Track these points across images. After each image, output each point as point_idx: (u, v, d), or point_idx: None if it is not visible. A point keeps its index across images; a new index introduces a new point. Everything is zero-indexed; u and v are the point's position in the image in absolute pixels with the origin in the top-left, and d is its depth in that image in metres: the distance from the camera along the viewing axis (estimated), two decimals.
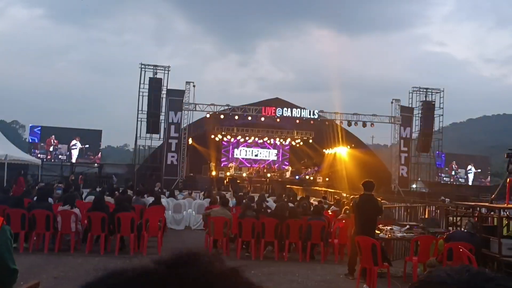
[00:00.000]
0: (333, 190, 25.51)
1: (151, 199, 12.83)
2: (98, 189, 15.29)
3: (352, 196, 10.91)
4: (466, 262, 6.35)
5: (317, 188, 29.74)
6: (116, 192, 14.18)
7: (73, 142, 29.82)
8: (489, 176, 37.89)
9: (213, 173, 33.58)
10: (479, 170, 36.89)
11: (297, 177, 35.76)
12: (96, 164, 30.73)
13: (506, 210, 8.10)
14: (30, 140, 29.29)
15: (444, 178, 35.28)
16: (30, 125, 30.23)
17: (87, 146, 30.02)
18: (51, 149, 29.17)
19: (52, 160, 29.46)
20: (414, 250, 8.36)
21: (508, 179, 8.14)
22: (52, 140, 29.27)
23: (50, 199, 11.08)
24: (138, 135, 28.25)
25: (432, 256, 7.67)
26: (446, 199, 20.54)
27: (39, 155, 27.68)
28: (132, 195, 13.17)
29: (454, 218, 9.46)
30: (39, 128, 29.55)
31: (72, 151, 29.85)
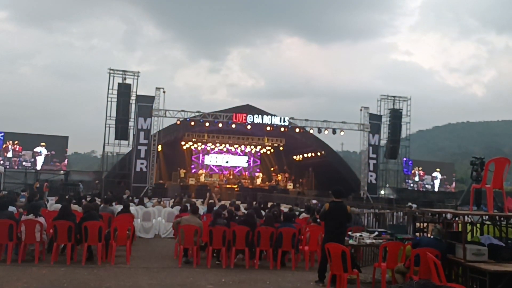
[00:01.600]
0: (303, 197, 25.68)
1: (119, 207, 12.59)
2: (67, 197, 14.86)
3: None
4: (432, 267, 6.49)
5: (287, 195, 29.90)
6: (83, 200, 13.84)
7: (38, 148, 29.07)
8: (454, 182, 38.95)
9: (183, 180, 33.33)
10: (445, 177, 37.90)
11: (267, 183, 35.89)
12: (62, 171, 29.97)
13: (470, 216, 8.33)
14: None
15: (411, 184, 36.08)
16: None
17: (53, 152, 29.31)
18: (9, 154, 28.32)
19: (16, 167, 28.60)
20: (383, 256, 8.48)
21: (472, 186, 8.38)
22: (9, 146, 28.45)
23: (12, 208, 10.69)
24: (106, 142, 27.74)
25: (400, 262, 7.79)
26: (413, 205, 20.98)
27: (1, 162, 26.84)
28: (100, 203, 12.89)
29: (421, 224, 9.66)
30: (2, 134, 28.65)
31: (37, 157, 29.09)
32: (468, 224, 8.08)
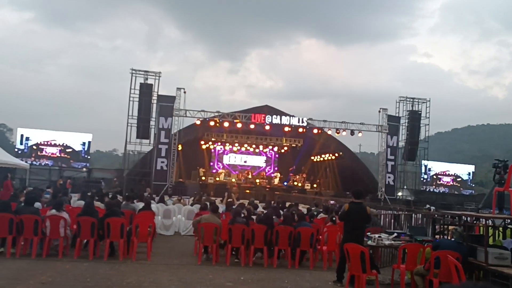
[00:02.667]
0: (321, 197, 25.64)
1: (140, 205, 12.80)
2: (89, 194, 15.18)
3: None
4: (453, 270, 6.47)
5: (305, 195, 29.89)
6: (105, 197, 14.12)
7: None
8: (473, 185, 38.39)
9: (202, 179, 33.58)
10: (464, 179, 37.41)
11: (285, 183, 35.88)
12: (84, 169, 30.55)
13: (492, 219, 8.27)
14: (19, 151, 29.15)
15: (429, 187, 35.71)
16: (21, 133, 30.04)
17: (76, 150, 30.08)
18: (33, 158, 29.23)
19: (40, 164, 29.34)
20: (402, 258, 8.47)
21: (494, 189, 8.31)
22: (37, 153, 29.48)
23: (38, 204, 10.99)
24: (128, 140, 28.13)
25: (419, 264, 7.78)
26: (432, 207, 20.78)
27: (29, 161, 27.59)
28: (122, 201, 13.14)
29: (441, 226, 9.60)
30: (29, 139, 29.52)
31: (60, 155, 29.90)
32: (490, 228, 8.02)
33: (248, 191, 29.99)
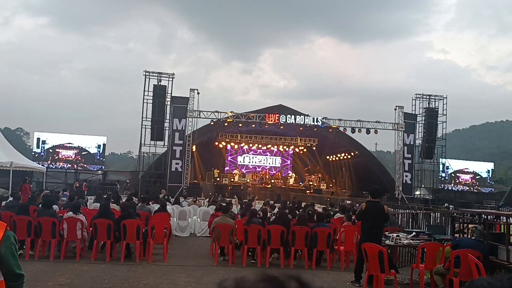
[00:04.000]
0: (337, 197, 25.47)
1: (156, 206, 12.84)
2: (104, 196, 15.29)
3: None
4: (474, 269, 6.33)
5: (321, 195, 29.73)
6: (121, 200, 14.20)
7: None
8: (492, 183, 37.75)
9: (217, 180, 33.64)
10: (483, 177, 36.82)
11: (300, 183, 35.76)
12: (100, 171, 30.85)
13: None
14: (36, 154, 29.58)
15: (447, 185, 35.23)
16: (37, 136, 30.48)
17: (91, 153, 30.44)
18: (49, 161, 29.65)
19: (56, 167, 29.74)
20: (421, 257, 8.33)
21: None
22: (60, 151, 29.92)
23: (55, 206, 11.09)
24: (143, 142, 28.33)
25: (438, 263, 7.63)
26: (450, 206, 20.49)
27: (46, 164, 27.99)
28: (137, 202, 13.19)
29: (461, 225, 9.43)
30: (45, 143, 29.95)
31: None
32: (511, 226, 7.83)
33: (263, 191, 29.94)
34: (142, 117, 28.16)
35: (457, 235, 9.17)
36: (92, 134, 32.01)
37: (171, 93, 28.21)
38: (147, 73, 28.38)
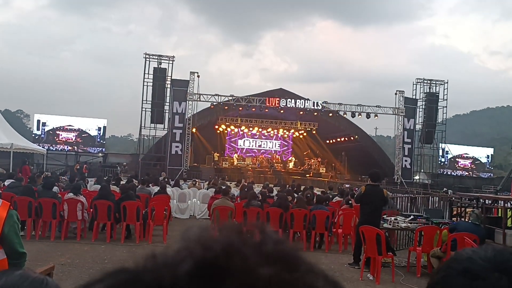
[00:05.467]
0: (336, 181, 25.57)
1: (156, 189, 12.90)
2: (105, 178, 15.37)
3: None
4: None
5: (320, 178, 29.84)
6: (121, 182, 14.27)
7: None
8: (491, 168, 37.85)
9: (217, 163, 33.71)
10: (482, 162, 36.90)
11: (300, 167, 35.85)
12: (100, 154, 30.91)
13: (510, 201, 8.14)
14: (36, 136, 29.51)
15: (447, 170, 35.32)
16: (37, 118, 30.39)
17: (92, 135, 30.45)
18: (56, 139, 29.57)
19: (56, 149, 29.78)
20: (418, 240, 8.41)
21: None
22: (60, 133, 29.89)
23: (56, 188, 11.16)
24: (143, 125, 28.33)
25: (436, 247, 7.71)
26: (449, 191, 20.59)
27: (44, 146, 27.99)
28: (137, 185, 13.26)
29: (458, 209, 9.50)
30: (46, 125, 29.86)
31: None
32: (508, 210, 7.90)
33: (262, 175, 30.03)
34: (142, 100, 28.11)
35: (454, 219, 9.25)
36: (93, 117, 31.96)
37: (171, 76, 28.11)
38: (147, 56, 28.23)
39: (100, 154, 30.95)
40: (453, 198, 10.93)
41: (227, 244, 0.34)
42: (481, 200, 8.42)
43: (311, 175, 31.91)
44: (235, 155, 36.60)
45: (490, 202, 8.67)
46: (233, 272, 0.32)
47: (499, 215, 8.16)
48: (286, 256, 0.36)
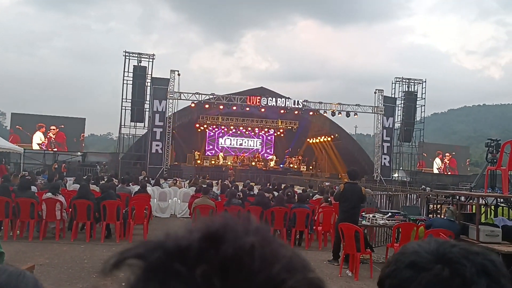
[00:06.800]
0: (316, 179, 25.78)
1: (136, 188, 12.84)
2: (84, 177, 15.19)
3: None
4: None
5: (300, 177, 30.03)
6: (101, 181, 14.14)
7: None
8: (468, 166, 38.62)
9: (198, 162, 33.62)
10: (459, 160, 37.63)
11: (281, 166, 36.01)
12: (79, 153, 30.49)
13: (484, 198, 8.36)
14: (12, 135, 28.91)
15: (425, 168, 35.91)
16: (11, 113, 29.76)
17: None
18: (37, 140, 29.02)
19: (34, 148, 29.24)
20: (396, 237, 8.58)
21: (487, 168, 8.39)
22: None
23: (33, 188, 10.99)
24: (123, 124, 28.04)
25: None
26: (427, 188, 20.95)
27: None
28: (117, 184, 13.16)
29: (435, 205, 9.71)
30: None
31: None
32: (482, 206, 8.12)
33: (243, 174, 30.07)
34: (122, 98, 27.79)
35: (431, 215, 9.45)
36: (72, 115, 31.48)
37: (151, 74, 27.88)
38: (127, 54, 27.93)
39: (78, 153, 30.52)
40: (430, 195, 11.16)
41: (223, 223, 0.52)
42: (457, 197, 8.62)
43: (292, 174, 32.09)
44: (221, 154, 36.54)
45: (464, 199, 8.89)
46: (228, 239, 0.49)
47: (474, 211, 8.38)
48: (263, 231, 0.53)
